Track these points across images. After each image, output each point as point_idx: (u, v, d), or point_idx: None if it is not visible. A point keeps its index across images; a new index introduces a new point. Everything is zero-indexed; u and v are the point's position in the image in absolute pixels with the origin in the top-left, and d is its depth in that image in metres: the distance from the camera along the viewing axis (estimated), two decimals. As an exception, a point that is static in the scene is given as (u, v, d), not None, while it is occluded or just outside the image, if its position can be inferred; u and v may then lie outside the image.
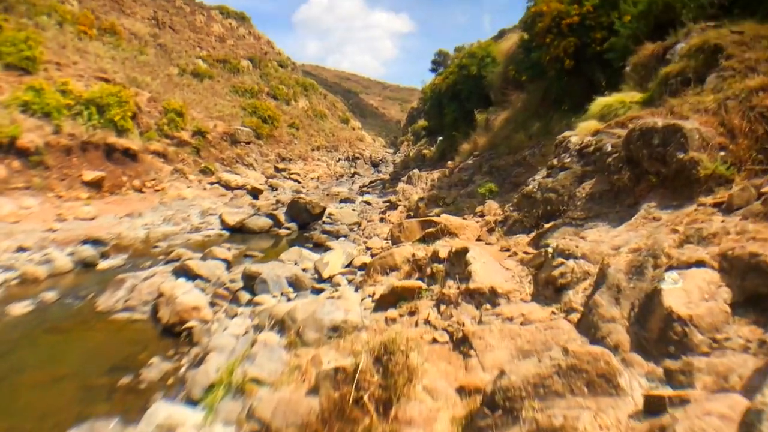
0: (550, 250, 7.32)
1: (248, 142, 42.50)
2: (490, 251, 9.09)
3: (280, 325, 8.35)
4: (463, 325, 6.70)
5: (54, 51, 32.69)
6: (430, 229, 11.35)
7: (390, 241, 12.71)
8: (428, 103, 38.42)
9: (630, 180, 8.33)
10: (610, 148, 9.33)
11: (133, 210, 24.02)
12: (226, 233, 21.58)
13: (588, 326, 5.60)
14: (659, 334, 4.70)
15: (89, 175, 24.14)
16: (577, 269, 6.73)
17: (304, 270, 13.01)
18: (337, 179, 47.22)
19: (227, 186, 33.21)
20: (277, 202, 32.12)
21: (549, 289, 6.92)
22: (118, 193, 26.12)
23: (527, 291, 7.24)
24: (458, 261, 8.15)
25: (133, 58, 43.04)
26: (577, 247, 6.99)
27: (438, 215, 15.79)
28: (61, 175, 23.20)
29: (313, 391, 5.34)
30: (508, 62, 22.67)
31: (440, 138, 37.54)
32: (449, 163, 26.44)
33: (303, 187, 39.49)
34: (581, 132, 10.90)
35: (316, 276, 12.56)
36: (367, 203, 27.70)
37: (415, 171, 23.21)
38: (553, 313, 6.47)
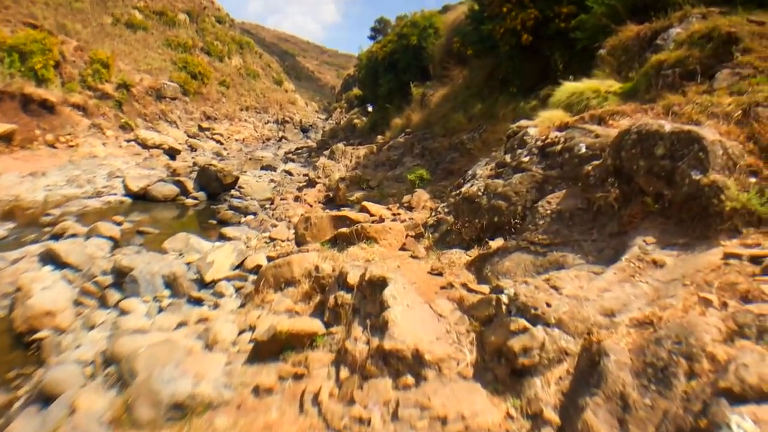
0: (504, 298, 4.75)
1: (174, 98, 39.41)
2: (418, 275, 6.48)
3: (117, 374, 5.69)
4: (369, 423, 4.12)
5: (-16, -7, 30.24)
6: (344, 229, 8.67)
7: (294, 239, 9.85)
8: (363, 71, 35.74)
9: (617, 200, 5.82)
10: (584, 150, 6.84)
11: (40, 168, 21.33)
12: (128, 200, 19.20)
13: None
14: None
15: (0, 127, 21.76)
16: (548, 344, 4.23)
17: (188, 265, 10.20)
18: (264, 142, 44.31)
19: (144, 144, 30.22)
20: (194, 164, 29.32)
21: (502, 366, 4.42)
22: (29, 147, 23.63)
23: (468, 359, 4.67)
24: (373, 295, 5.55)
25: (68, 5, 39.70)
26: (548, 306, 4.45)
27: (359, 201, 13.26)
28: (-33, 126, 20.97)
29: None
30: (452, 34, 20.05)
31: (372, 108, 34.93)
32: (379, 138, 23.83)
33: (225, 149, 36.84)
34: (543, 123, 8.38)
35: (198, 277, 9.71)
36: (289, 173, 25.04)
37: (339, 145, 20.36)
38: (509, 416, 3.97)
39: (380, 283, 5.48)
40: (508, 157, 8.02)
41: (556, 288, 4.76)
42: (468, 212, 7.69)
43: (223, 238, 12.44)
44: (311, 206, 15.15)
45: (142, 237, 14.09)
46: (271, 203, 16.78)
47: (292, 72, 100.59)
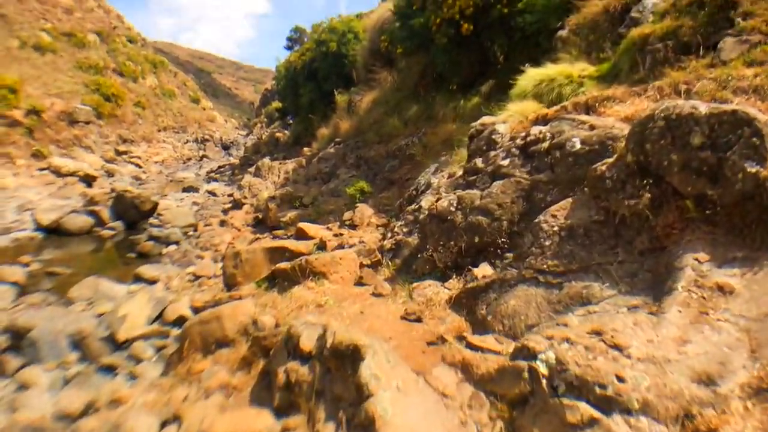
0: (542, 368, 3.17)
1: (87, 122, 36.82)
2: (389, 324, 4.86)
3: None
4: None
5: None
6: (283, 265, 6.94)
7: (223, 279, 7.97)
8: (282, 82, 33.85)
9: (648, 206, 4.34)
10: (579, 146, 5.39)
11: None
12: (39, 235, 16.99)
13: None
14: None
15: None
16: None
17: (99, 317, 8.29)
18: (185, 163, 42.08)
19: (58, 173, 27.79)
20: (112, 190, 27.09)
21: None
22: None
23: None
24: (342, 369, 3.86)
25: None
26: (620, 380, 2.90)
27: (293, 222, 11.59)
28: None
29: None
30: (376, 35, 18.41)
31: (294, 120, 33.19)
32: (305, 150, 22.08)
33: (144, 173, 34.62)
34: (514, 118, 6.91)
35: (111, 333, 7.77)
36: (212, 194, 23.16)
37: (265, 160, 18.47)
38: None
39: (352, 354, 3.79)
40: (479, 162, 6.46)
41: (617, 347, 3.19)
42: (439, 232, 6.07)
43: (139, 279, 10.48)
44: (239, 230, 13.37)
45: (53, 279, 12.15)
46: (195, 230, 14.87)
47: (209, 89, 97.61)
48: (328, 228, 10.58)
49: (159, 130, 48.52)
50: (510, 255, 5.34)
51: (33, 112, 31.20)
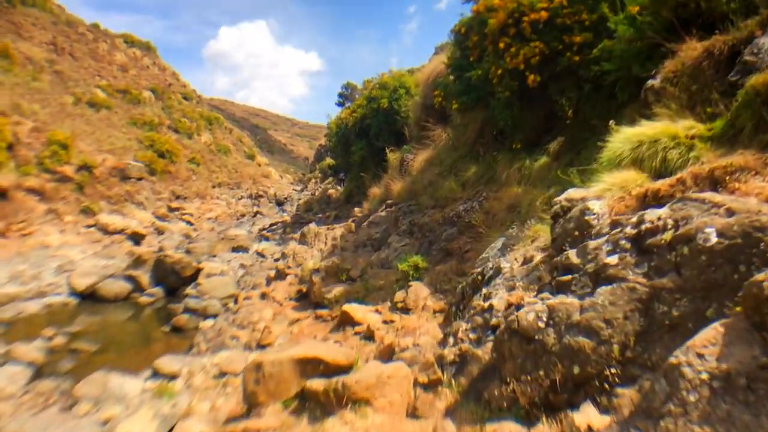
0: None
1: (140, 178, 36.32)
2: None
3: None
4: None
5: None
6: (316, 383, 5.34)
7: (243, 398, 6.32)
8: (334, 139, 32.79)
9: None
10: (715, 240, 3.75)
11: None
12: (73, 301, 16.08)
13: None
14: None
15: (-70, 220, 18.82)
16: None
17: (103, 425, 6.83)
18: (238, 219, 41.24)
19: (105, 230, 27.03)
20: (160, 249, 26.08)
21: None
22: None
23: None
24: None
25: (25, 85, 36.94)
26: None
27: (338, 300, 10.10)
28: None
29: None
30: (429, 90, 17.03)
31: (347, 178, 31.97)
32: (356, 210, 20.72)
33: (195, 230, 33.77)
34: (612, 193, 5.29)
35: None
36: (261, 255, 21.92)
37: (311, 226, 16.90)
38: None
39: None
40: (573, 255, 4.78)
41: None
42: (522, 356, 4.38)
43: (157, 374, 9.00)
44: (281, 305, 11.92)
45: (74, 358, 10.98)
46: (235, 301, 13.49)
47: (264, 145, 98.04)
48: (377, 311, 9.06)
49: (213, 186, 48.03)
50: (623, 391, 3.72)
51: (84, 167, 30.78)
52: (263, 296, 12.70)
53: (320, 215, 30.42)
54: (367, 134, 25.59)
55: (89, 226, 26.69)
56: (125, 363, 10.74)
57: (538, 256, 6.02)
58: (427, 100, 17.36)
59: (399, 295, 9.06)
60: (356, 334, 8.52)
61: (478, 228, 10.12)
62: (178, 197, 39.18)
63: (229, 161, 57.96)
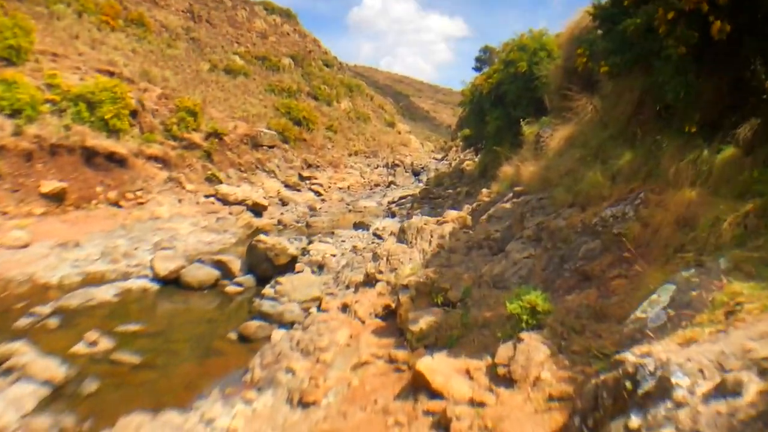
0: None
1: (272, 146, 35.04)
2: None
3: None
4: None
5: (61, 41, 27.66)
6: None
7: None
8: (468, 107, 29.46)
9: None
10: None
11: (80, 234, 17.14)
12: (154, 287, 13.88)
13: None
14: None
15: (48, 185, 18.40)
16: None
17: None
18: (371, 189, 39.36)
19: (225, 200, 25.56)
20: (279, 222, 24.15)
21: None
22: (84, 207, 19.75)
23: None
24: None
25: (160, 52, 36.87)
26: None
27: (422, 339, 7.11)
28: (15, 185, 17.79)
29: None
30: (572, 49, 13.21)
31: (482, 151, 28.53)
32: (483, 192, 17.37)
33: (323, 200, 32.12)
34: None
35: None
36: (379, 237, 19.16)
37: (413, 221, 12.93)
38: None
39: None
40: None
41: None
42: None
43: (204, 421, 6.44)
44: (362, 324, 9.02)
45: (105, 375, 8.74)
46: (319, 306, 10.68)
47: (407, 113, 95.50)
48: (467, 372, 5.94)
49: (349, 155, 46.24)
50: None
51: (214, 134, 29.84)
52: (344, 309, 9.82)
53: (450, 190, 27.41)
54: (503, 102, 22.16)
55: (208, 196, 25.40)
56: (162, 389, 8.44)
57: (753, 384, 2.73)
58: (569, 63, 13.58)
59: (503, 352, 5.82)
60: (427, 413, 5.50)
61: (632, 246, 6.66)
62: (310, 166, 37.60)
63: (368, 129, 55.95)
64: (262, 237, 15.22)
